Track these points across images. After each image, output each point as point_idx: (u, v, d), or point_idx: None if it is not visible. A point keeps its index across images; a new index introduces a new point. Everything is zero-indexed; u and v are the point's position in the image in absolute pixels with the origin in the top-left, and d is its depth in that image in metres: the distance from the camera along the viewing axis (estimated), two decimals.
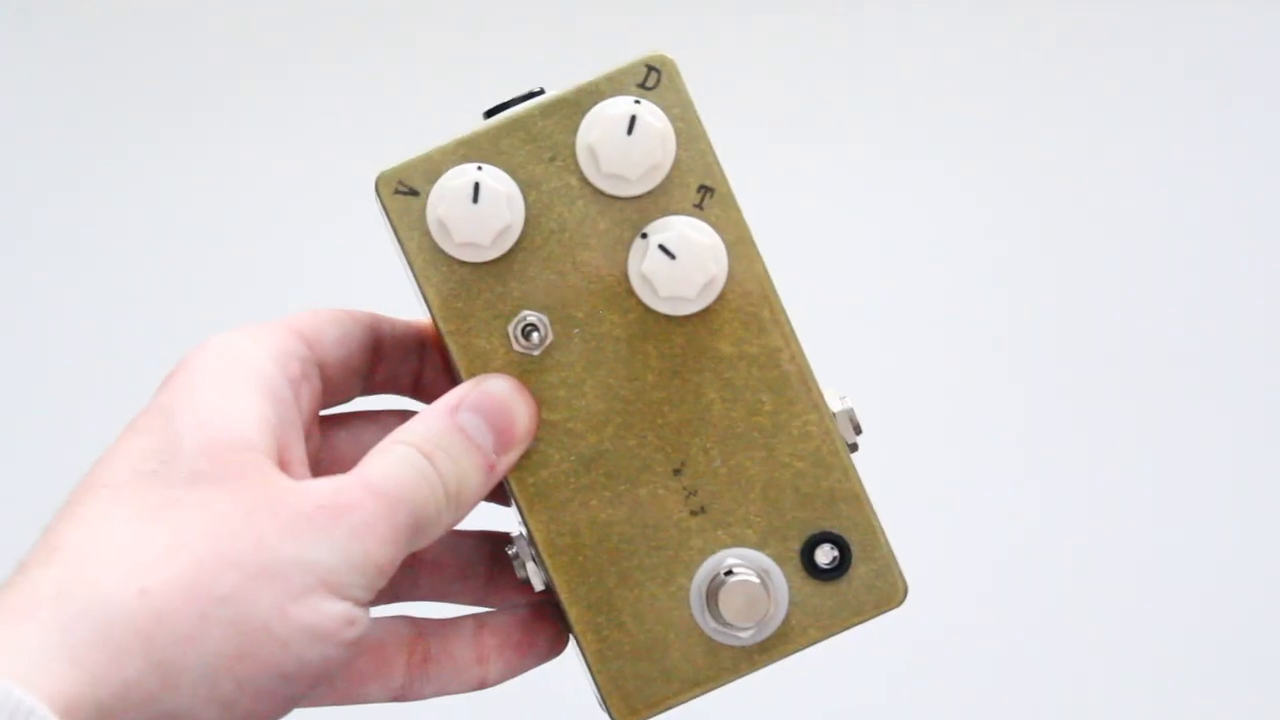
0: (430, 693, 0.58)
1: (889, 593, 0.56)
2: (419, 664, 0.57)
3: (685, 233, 0.55)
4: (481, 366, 0.56)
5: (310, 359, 0.54)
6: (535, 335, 0.55)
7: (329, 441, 0.58)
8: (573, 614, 0.56)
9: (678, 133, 0.55)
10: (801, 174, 1.13)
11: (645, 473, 0.56)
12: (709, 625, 0.55)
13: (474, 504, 0.54)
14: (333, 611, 0.49)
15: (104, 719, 0.46)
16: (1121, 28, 1.18)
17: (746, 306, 0.56)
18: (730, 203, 0.56)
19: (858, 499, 0.56)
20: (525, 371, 0.56)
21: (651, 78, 0.56)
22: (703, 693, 0.56)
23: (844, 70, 1.17)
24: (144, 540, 0.48)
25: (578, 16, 1.17)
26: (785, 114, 1.14)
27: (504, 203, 0.55)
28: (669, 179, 0.55)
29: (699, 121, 0.56)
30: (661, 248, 0.55)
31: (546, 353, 0.56)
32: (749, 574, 0.55)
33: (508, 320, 0.56)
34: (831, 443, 0.56)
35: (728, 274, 0.55)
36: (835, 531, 0.55)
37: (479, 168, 0.55)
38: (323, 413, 0.57)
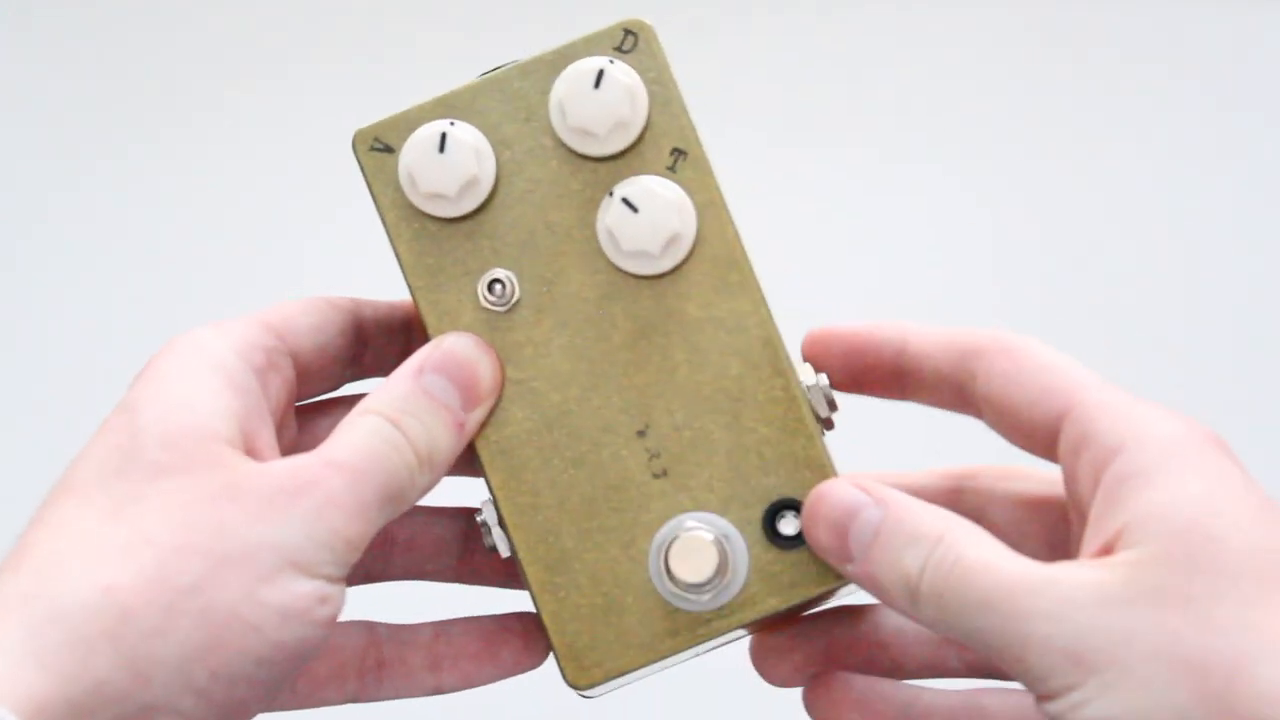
0: (385, 696, 0.58)
1: None
2: (372, 668, 0.57)
3: (649, 187, 0.54)
4: (450, 324, 0.55)
5: (279, 348, 0.54)
6: (502, 290, 0.55)
7: (312, 430, 0.57)
8: (530, 573, 0.55)
9: (652, 95, 0.55)
10: (799, 177, 1.13)
11: (608, 434, 0.55)
12: (666, 588, 0.54)
13: (447, 465, 0.54)
14: (304, 590, 0.49)
15: (78, 718, 0.46)
16: (1122, 28, 1.17)
17: (715, 270, 0.55)
18: (703, 165, 0.55)
19: (822, 467, 0.55)
20: (492, 329, 0.55)
21: (628, 41, 0.56)
22: (658, 658, 0.55)
23: (844, 71, 1.17)
24: (107, 537, 0.48)
25: (577, 17, 1.17)
26: (784, 115, 1.13)
27: (471, 154, 0.55)
28: (642, 141, 0.55)
29: (674, 85, 0.55)
30: (625, 201, 0.54)
31: (514, 310, 0.55)
32: (700, 529, 0.54)
33: (476, 277, 0.55)
34: (798, 409, 0.55)
35: (697, 236, 0.55)
36: (797, 499, 0.54)
37: (451, 123, 0.55)
38: (305, 401, 0.57)
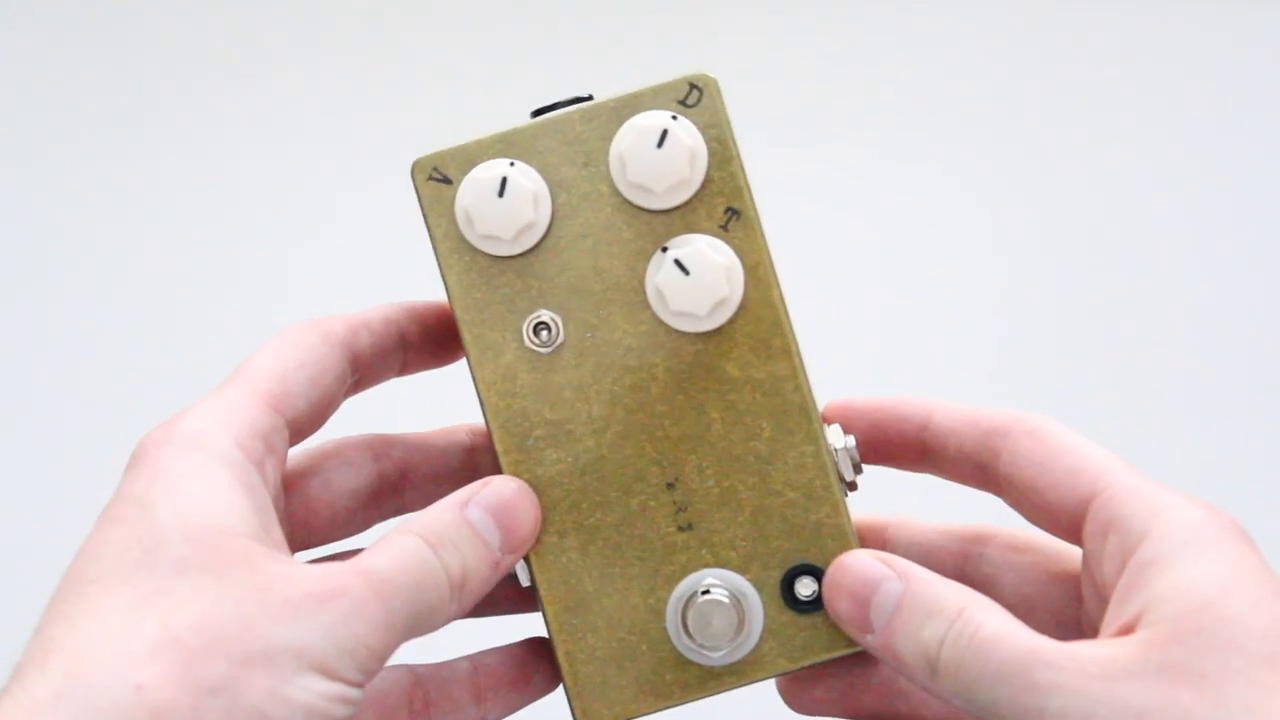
0: None
1: None
2: (421, 711, 0.59)
3: (702, 250, 0.55)
4: (491, 359, 0.56)
5: (277, 426, 0.55)
6: (546, 334, 0.56)
7: (302, 494, 0.58)
8: (550, 612, 0.56)
9: (711, 153, 0.56)
10: (800, 176, 1.13)
11: (639, 483, 0.56)
12: (682, 641, 0.56)
13: (477, 598, 0.55)
14: (326, 691, 0.50)
15: None
16: (1123, 29, 1.17)
17: (758, 332, 0.56)
18: (754, 227, 0.56)
19: (844, 536, 0.56)
20: (533, 369, 0.56)
21: (693, 95, 0.56)
22: (666, 707, 0.56)
23: (843, 71, 1.17)
24: (135, 633, 0.49)
25: (578, 16, 1.17)
26: (785, 115, 1.13)
27: (529, 200, 0.55)
28: (698, 197, 0.56)
29: (734, 144, 0.56)
30: (677, 262, 0.55)
31: (556, 352, 0.56)
32: (722, 594, 0.55)
33: (523, 317, 0.56)
34: (825, 477, 0.56)
35: (743, 298, 0.56)
36: (817, 565, 0.56)
37: (511, 163, 0.55)
38: (299, 455, 0.58)
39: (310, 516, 0.59)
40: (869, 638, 0.53)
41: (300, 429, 0.56)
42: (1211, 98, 1.16)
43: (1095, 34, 1.17)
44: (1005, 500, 0.57)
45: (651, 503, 0.56)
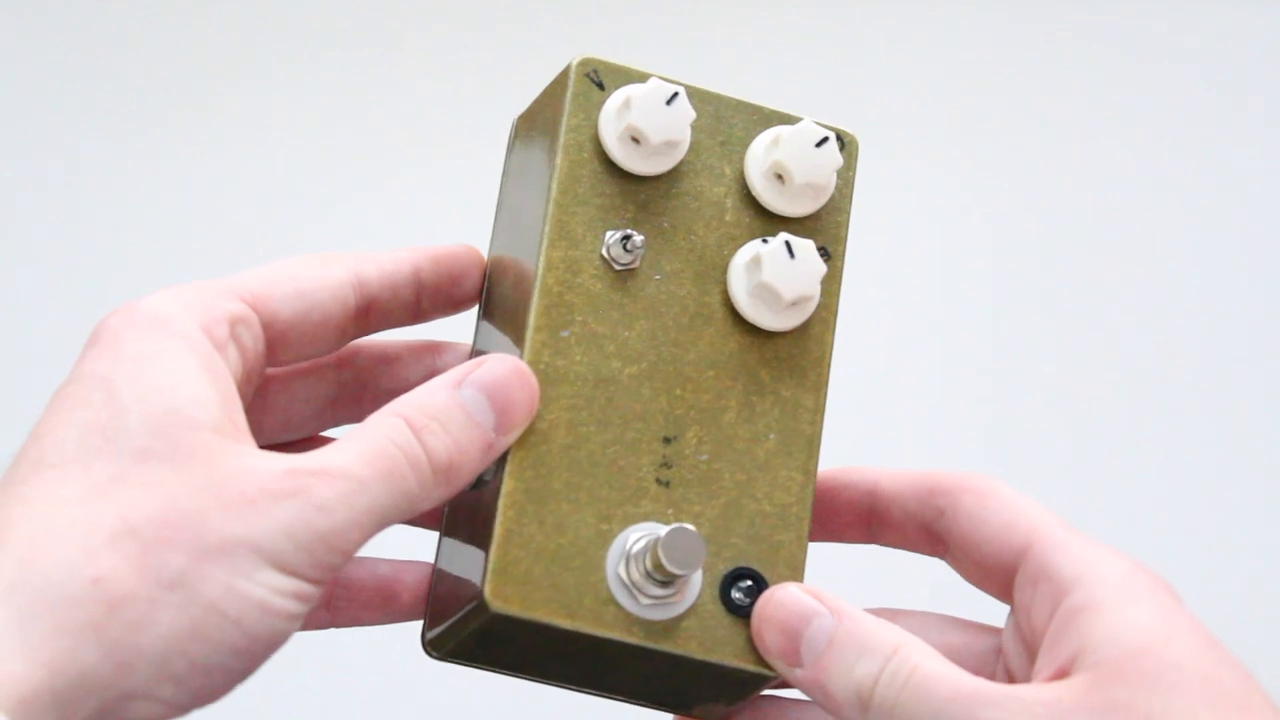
0: None
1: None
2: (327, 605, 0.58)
3: (812, 247, 0.57)
4: (566, 246, 0.56)
5: (246, 318, 0.54)
6: (628, 253, 0.57)
7: (279, 400, 0.58)
8: (508, 486, 0.55)
9: (831, 199, 0.59)
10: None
11: (640, 422, 0.56)
12: (620, 573, 0.54)
13: (466, 482, 0.54)
14: (282, 586, 0.50)
15: (61, 708, 0.47)
16: (1126, 30, 1.21)
17: (802, 359, 0.58)
18: (837, 275, 0.59)
19: (798, 567, 0.56)
20: (596, 275, 0.57)
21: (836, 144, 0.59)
22: (570, 627, 0.54)
23: (844, 71, 1.19)
24: (92, 524, 0.49)
25: (576, 16, 1.19)
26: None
27: (687, 124, 0.57)
28: (804, 226, 0.58)
29: (851, 199, 0.59)
30: (788, 244, 0.57)
31: (625, 274, 0.57)
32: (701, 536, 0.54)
33: (612, 228, 0.57)
34: (803, 508, 0.57)
35: (805, 326, 0.58)
36: (764, 577, 0.55)
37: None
38: (297, 365, 0.58)
39: (263, 416, 0.58)
40: (797, 671, 0.53)
41: (286, 337, 0.55)
42: (1214, 99, 1.19)
43: (1098, 36, 1.20)
44: (948, 562, 0.58)
45: (643, 444, 0.56)
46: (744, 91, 0.60)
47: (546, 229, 0.56)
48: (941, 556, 0.58)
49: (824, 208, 0.59)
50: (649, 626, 0.55)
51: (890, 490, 0.58)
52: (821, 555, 0.61)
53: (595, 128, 0.57)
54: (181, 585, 0.48)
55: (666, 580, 0.54)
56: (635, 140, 0.57)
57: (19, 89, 1.15)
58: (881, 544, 0.59)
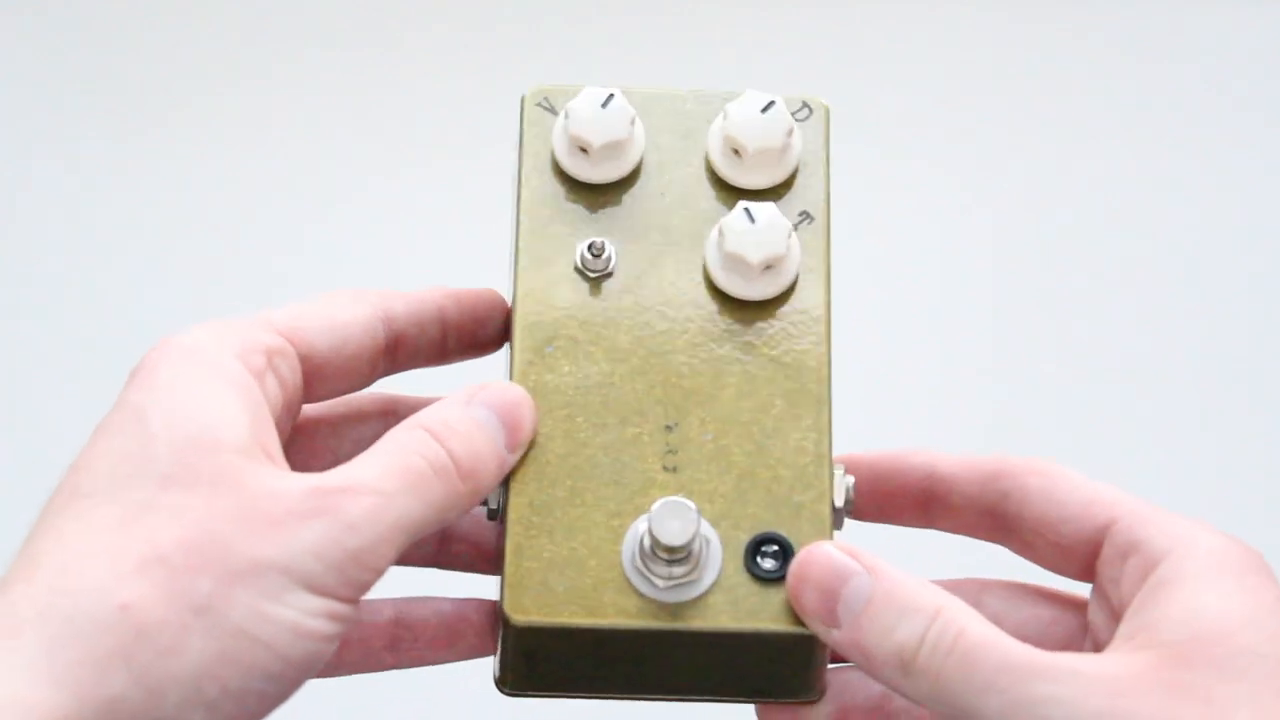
0: (343, 673, 0.58)
1: None
2: (392, 644, 0.58)
3: (773, 209, 0.57)
4: (538, 270, 0.57)
5: (283, 350, 0.55)
6: (599, 258, 0.57)
7: (314, 434, 0.59)
8: (513, 503, 0.55)
9: (804, 163, 0.59)
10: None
11: (638, 415, 0.56)
12: (635, 563, 0.54)
13: (488, 491, 0.54)
14: (313, 607, 0.49)
15: None
16: (1125, 31, 1.18)
17: (799, 322, 0.57)
18: (822, 233, 0.58)
19: (823, 523, 0.55)
20: (575, 288, 0.57)
21: (803, 111, 0.60)
22: (595, 624, 0.54)
23: (844, 71, 1.18)
24: (121, 551, 0.49)
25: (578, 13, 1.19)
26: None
27: (626, 121, 0.58)
28: (780, 195, 0.59)
29: (826, 163, 0.59)
30: (746, 210, 0.57)
31: (602, 279, 0.58)
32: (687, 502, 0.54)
33: (582, 240, 0.58)
34: (820, 465, 0.56)
35: (793, 287, 0.57)
36: (788, 540, 0.54)
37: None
38: (314, 406, 0.58)
39: (312, 459, 0.58)
40: (835, 633, 0.52)
41: (322, 371, 0.56)
42: (1215, 100, 1.17)
43: (1097, 37, 1.18)
44: (1011, 547, 0.56)
45: (645, 437, 0.56)
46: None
47: (518, 259, 0.58)
48: (1002, 542, 0.57)
49: (798, 175, 0.59)
50: (674, 609, 0.54)
51: (949, 474, 0.57)
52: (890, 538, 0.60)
53: (552, 150, 0.59)
54: (210, 610, 0.48)
55: (673, 558, 0.54)
56: (583, 150, 0.58)
57: (19, 89, 1.18)
58: (939, 529, 0.58)
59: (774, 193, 0.58)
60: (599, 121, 0.58)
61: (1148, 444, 1.09)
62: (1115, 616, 0.53)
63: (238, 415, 0.51)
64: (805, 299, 0.57)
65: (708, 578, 0.54)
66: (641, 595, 0.54)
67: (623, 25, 1.20)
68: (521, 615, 0.54)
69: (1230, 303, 1.15)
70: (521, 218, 0.58)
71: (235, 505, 0.50)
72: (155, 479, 0.50)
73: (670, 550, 0.53)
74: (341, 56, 1.20)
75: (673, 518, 0.53)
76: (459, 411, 0.54)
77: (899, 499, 0.58)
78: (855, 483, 0.57)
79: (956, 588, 0.58)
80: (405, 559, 0.59)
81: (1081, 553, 0.55)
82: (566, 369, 0.57)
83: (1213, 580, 0.51)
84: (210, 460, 0.50)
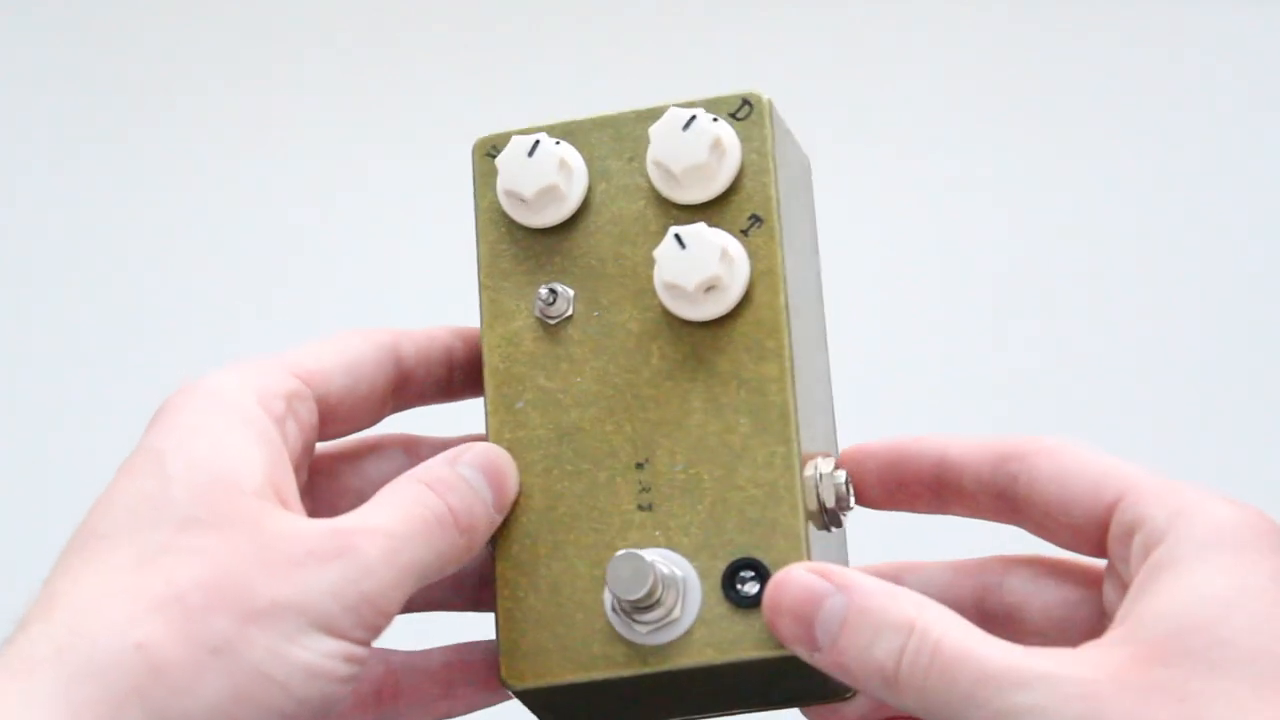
0: None
1: None
2: (389, 700, 0.59)
3: (701, 229, 0.56)
4: (502, 323, 0.58)
5: (301, 393, 0.56)
6: (555, 305, 0.58)
7: (335, 474, 0.60)
8: (498, 567, 0.56)
9: (748, 162, 0.58)
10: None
11: (611, 458, 0.56)
12: (613, 614, 0.55)
13: (481, 546, 0.55)
14: (330, 649, 0.50)
15: None
16: (1127, 31, 1.15)
17: (756, 333, 0.56)
18: (774, 236, 0.57)
19: (796, 538, 0.55)
20: (537, 338, 0.58)
21: (744, 110, 0.58)
22: (588, 679, 0.55)
23: (845, 70, 1.15)
24: (138, 591, 0.49)
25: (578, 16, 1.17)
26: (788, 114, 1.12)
27: (554, 165, 0.57)
28: (726, 201, 0.57)
29: (772, 159, 0.58)
30: (676, 236, 0.56)
31: (563, 325, 0.58)
32: (644, 552, 0.54)
33: (539, 288, 0.58)
34: (790, 478, 0.55)
35: (747, 297, 0.57)
36: (762, 562, 0.54)
37: (556, 142, 0.58)
38: (329, 444, 0.59)
39: (338, 499, 0.59)
40: (817, 655, 0.52)
41: (336, 411, 0.57)
42: (1216, 100, 1.14)
43: (1099, 37, 1.15)
44: (1026, 527, 0.55)
45: (619, 479, 0.56)
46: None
47: (482, 315, 0.59)
48: (1017, 523, 0.56)
49: (744, 178, 0.57)
50: (659, 652, 0.55)
51: (959, 458, 0.56)
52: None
53: (500, 200, 0.59)
54: (226, 650, 0.49)
55: (638, 607, 0.54)
56: (522, 200, 0.58)
57: (18, 89, 1.19)
58: (952, 514, 0.57)
59: (720, 203, 0.57)
60: (526, 172, 0.57)
61: (1149, 440, 1.06)
62: (1125, 595, 0.51)
63: (257, 460, 0.53)
64: (759, 308, 0.56)
65: (689, 614, 0.55)
66: (627, 643, 0.55)
67: (625, 24, 1.18)
68: (518, 681, 0.56)
69: (1231, 301, 1.11)
70: (481, 274, 0.59)
71: (253, 546, 0.50)
72: (174, 521, 0.51)
73: (633, 603, 0.54)
74: (341, 57, 1.20)
75: (624, 570, 0.54)
76: (449, 470, 0.55)
77: (911, 486, 0.57)
78: (849, 478, 0.56)
79: (981, 568, 0.58)
80: (449, 605, 0.61)
81: (1093, 532, 0.53)
82: (537, 421, 0.57)
83: (1204, 562, 0.49)
84: (229, 503, 0.51)
